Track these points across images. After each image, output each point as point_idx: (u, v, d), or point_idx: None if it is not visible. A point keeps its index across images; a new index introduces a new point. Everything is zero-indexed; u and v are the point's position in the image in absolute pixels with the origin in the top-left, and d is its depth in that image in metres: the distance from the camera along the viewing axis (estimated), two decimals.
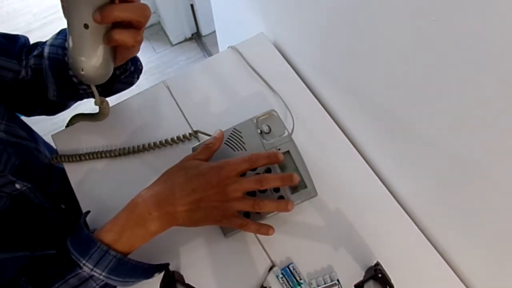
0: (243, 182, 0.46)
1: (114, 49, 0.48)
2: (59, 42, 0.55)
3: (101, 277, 0.43)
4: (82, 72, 0.45)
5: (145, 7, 0.43)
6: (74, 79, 0.54)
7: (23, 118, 0.63)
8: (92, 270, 0.42)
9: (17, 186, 0.52)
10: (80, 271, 0.43)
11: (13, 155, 0.52)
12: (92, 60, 0.45)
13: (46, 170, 0.61)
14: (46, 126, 1.47)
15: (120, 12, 0.41)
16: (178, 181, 0.46)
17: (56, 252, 0.45)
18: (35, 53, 0.56)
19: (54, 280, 0.43)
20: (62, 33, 0.56)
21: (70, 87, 0.56)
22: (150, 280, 0.47)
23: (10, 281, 0.44)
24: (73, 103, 0.64)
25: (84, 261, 0.42)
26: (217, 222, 0.48)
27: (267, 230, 0.48)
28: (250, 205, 0.47)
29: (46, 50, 0.55)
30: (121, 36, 0.43)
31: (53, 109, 0.64)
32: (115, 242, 0.44)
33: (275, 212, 0.52)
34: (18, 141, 0.56)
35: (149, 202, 0.45)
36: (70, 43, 0.44)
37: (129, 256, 0.45)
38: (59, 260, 0.45)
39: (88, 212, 0.50)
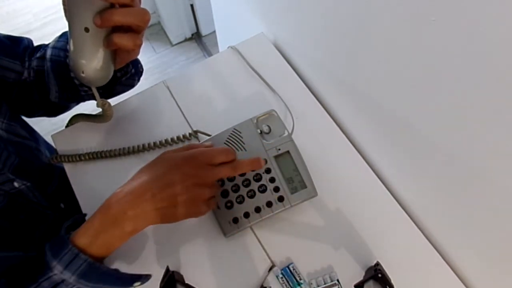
0: (219, 170, 0.46)
1: (114, 52, 0.48)
2: (61, 45, 0.55)
3: (71, 280, 0.42)
4: (83, 75, 0.46)
5: (144, 12, 0.43)
6: (76, 81, 0.55)
7: (25, 118, 0.63)
8: (61, 272, 0.41)
9: (16, 184, 0.52)
10: (50, 274, 0.42)
11: (13, 153, 0.52)
12: (92, 63, 0.45)
13: (46, 170, 0.61)
14: (46, 126, 1.46)
15: (120, 17, 0.41)
16: (153, 176, 0.44)
17: (36, 253, 0.45)
18: (38, 55, 0.57)
19: (29, 283, 0.42)
20: (64, 36, 0.56)
21: (71, 89, 0.56)
22: (150, 280, 0.47)
23: None
24: (75, 105, 0.65)
25: (54, 263, 0.41)
26: (198, 212, 0.46)
27: (258, 161, 0.48)
28: (229, 171, 0.47)
29: (49, 52, 0.55)
30: (121, 40, 0.44)
31: (55, 111, 0.64)
32: (90, 245, 0.43)
33: (274, 213, 0.52)
34: (19, 140, 0.56)
35: (124, 201, 0.43)
36: (71, 46, 0.44)
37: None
38: (35, 261, 0.44)
39: (83, 215, 0.50)
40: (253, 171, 0.53)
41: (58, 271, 0.42)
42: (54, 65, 0.54)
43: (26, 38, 0.59)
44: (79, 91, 0.56)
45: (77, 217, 0.49)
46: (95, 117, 0.59)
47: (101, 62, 0.46)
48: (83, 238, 0.43)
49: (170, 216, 0.45)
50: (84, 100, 0.60)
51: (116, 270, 0.45)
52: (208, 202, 0.47)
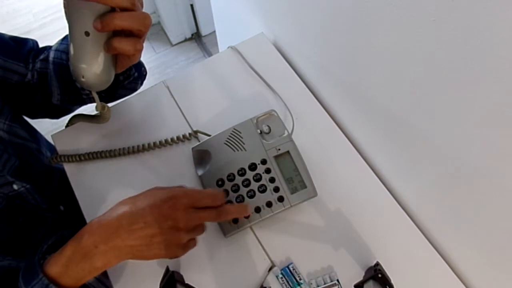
0: (200, 216, 0.44)
1: (115, 56, 0.48)
2: (64, 47, 0.55)
3: None
4: (83, 79, 0.45)
5: (145, 16, 0.42)
6: (77, 84, 0.55)
7: (27, 119, 0.63)
8: None
9: (15, 187, 0.52)
10: None
11: (13, 156, 0.52)
12: (92, 67, 0.45)
13: (46, 171, 0.61)
14: (46, 126, 1.46)
15: (120, 21, 0.40)
16: (129, 212, 0.42)
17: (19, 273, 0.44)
18: (41, 57, 0.56)
19: None
20: (66, 38, 0.56)
21: (73, 92, 0.56)
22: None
23: None
24: (77, 108, 0.64)
25: None
26: (173, 255, 0.44)
27: (245, 208, 0.47)
28: (212, 217, 0.45)
29: (51, 54, 0.55)
30: (121, 44, 0.43)
31: (57, 113, 0.64)
32: (61, 275, 0.41)
33: (274, 213, 0.52)
34: (20, 142, 0.56)
35: (97, 233, 0.41)
36: (71, 50, 0.44)
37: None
38: (10, 285, 0.43)
39: (69, 231, 0.47)
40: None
41: None
42: (56, 68, 0.54)
43: (32, 40, 0.59)
44: (81, 94, 0.56)
45: (62, 234, 0.48)
46: (93, 118, 0.59)
47: (102, 66, 0.45)
48: (54, 267, 0.41)
49: (142, 255, 0.43)
50: (86, 103, 0.60)
51: None
52: (185, 245, 0.45)
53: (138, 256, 0.43)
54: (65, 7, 0.41)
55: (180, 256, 0.45)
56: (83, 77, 0.45)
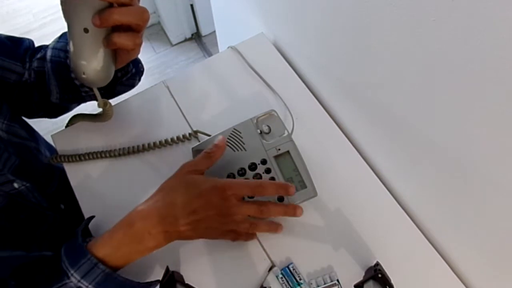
0: (244, 207, 0.46)
1: (115, 52, 0.48)
2: (61, 45, 0.55)
3: None
4: (84, 76, 0.46)
5: (143, 10, 0.43)
6: (76, 82, 0.55)
7: (25, 118, 0.63)
8: (79, 281, 0.42)
9: (15, 185, 0.52)
10: (67, 281, 0.42)
11: (13, 154, 0.52)
12: (93, 64, 0.45)
13: (46, 170, 0.61)
14: (46, 126, 1.46)
15: (119, 16, 0.41)
16: (179, 200, 0.45)
17: (50, 256, 0.45)
18: (38, 56, 0.56)
19: (42, 287, 0.43)
20: (64, 36, 0.56)
21: (72, 90, 0.56)
22: (150, 280, 0.47)
23: (1, 281, 0.44)
24: (76, 106, 0.65)
25: (72, 271, 0.42)
26: (218, 237, 0.48)
27: (278, 226, 0.51)
28: (255, 211, 0.47)
29: (49, 53, 0.55)
30: (121, 39, 0.43)
31: (55, 112, 0.64)
32: (110, 256, 0.44)
33: None
34: (19, 141, 0.56)
35: (149, 221, 0.44)
36: (71, 47, 0.44)
37: None
38: (50, 266, 0.44)
39: (91, 218, 0.50)
40: (252, 170, 0.52)
41: (75, 279, 0.42)
42: (54, 66, 0.54)
43: (27, 39, 0.59)
44: (80, 92, 0.56)
45: (87, 221, 0.49)
46: (95, 117, 0.59)
47: (102, 62, 0.45)
48: (103, 249, 0.44)
49: (189, 237, 0.46)
50: (85, 101, 0.60)
51: (131, 281, 0.45)
52: (230, 232, 0.48)
53: (187, 237, 0.46)
54: (62, 4, 0.41)
55: (225, 239, 0.49)
56: (83, 73, 0.45)
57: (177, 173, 0.48)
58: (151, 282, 0.47)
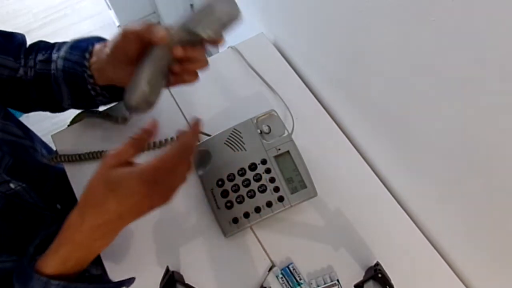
0: (178, 176, 0.43)
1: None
2: (76, 58, 0.53)
3: None
4: (134, 104, 0.46)
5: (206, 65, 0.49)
6: (92, 93, 0.53)
7: (20, 118, 0.63)
8: None
9: (12, 185, 0.52)
10: None
11: (7, 154, 0.52)
12: (152, 98, 0.47)
13: (41, 170, 0.60)
14: (46, 126, 1.47)
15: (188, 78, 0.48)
16: (112, 208, 0.41)
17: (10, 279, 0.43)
18: (40, 57, 0.55)
19: None
20: (77, 49, 0.53)
21: (86, 99, 0.55)
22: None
23: None
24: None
25: None
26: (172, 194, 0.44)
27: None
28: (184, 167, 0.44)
29: (60, 62, 0.53)
30: (191, 78, 0.48)
31: (56, 109, 0.63)
32: (63, 267, 0.42)
33: (274, 213, 0.52)
34: (14, 140, 0.55)
35: (89, 233, 0.41)
36: (144, 85, 0.44)
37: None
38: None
39: (49, 232, 0.48)
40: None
41: None
42: (67, 77, 0.53)
43: (19, 34, 0.58)
44: (95, 100, 0.55)
45: (42, 236, 0.48)
46: (110, 117, 0.59)
47: (158, 98, 0.47)
48: (52, 263, 0.42)
49: (137, 216, 0.43)
50: (97, 106, 0.59)
51: (93, 285, 0.43)
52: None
53: (134, 219, 0.43)
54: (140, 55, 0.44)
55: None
56: (136, 103, 0.45)
57: (100, 170, 0.44)
58: (123, 280, 0.45)
